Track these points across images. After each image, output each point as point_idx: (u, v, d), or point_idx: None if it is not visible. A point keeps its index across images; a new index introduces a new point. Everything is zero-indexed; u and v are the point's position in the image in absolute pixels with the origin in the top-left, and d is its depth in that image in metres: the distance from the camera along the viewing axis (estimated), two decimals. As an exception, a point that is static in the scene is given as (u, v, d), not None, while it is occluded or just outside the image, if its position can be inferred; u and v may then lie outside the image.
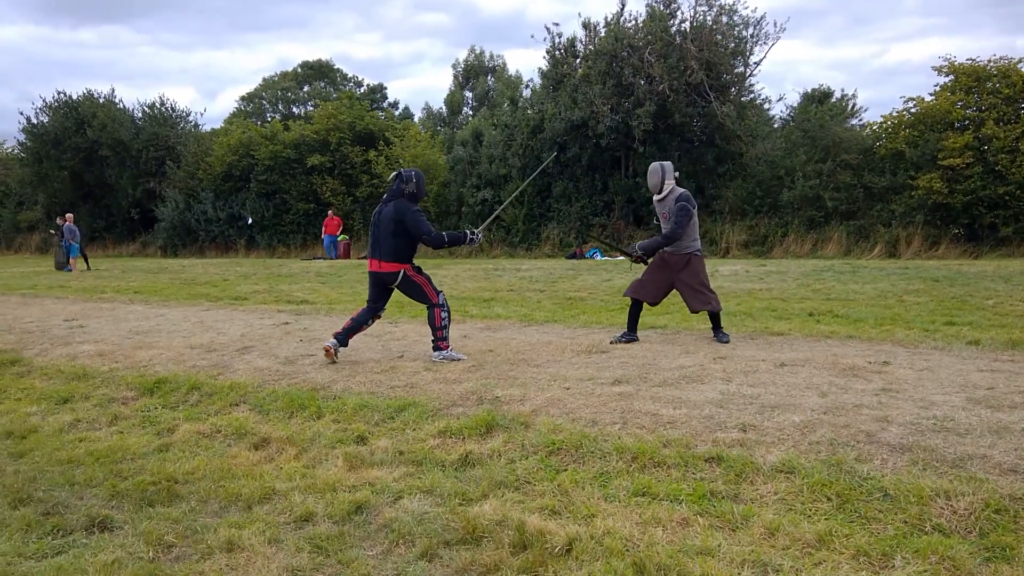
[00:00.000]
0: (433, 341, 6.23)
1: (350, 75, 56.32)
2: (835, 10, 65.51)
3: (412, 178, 6.03)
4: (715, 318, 6.67)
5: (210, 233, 27.51)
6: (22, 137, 30.22)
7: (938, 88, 18.56)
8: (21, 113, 52.34)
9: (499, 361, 6.04)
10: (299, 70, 55.54)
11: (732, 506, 3.23)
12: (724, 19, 21.07)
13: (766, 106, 22.71)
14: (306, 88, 54.91)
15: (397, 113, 46.52)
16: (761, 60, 22.12)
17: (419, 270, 6.23)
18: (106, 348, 7.18)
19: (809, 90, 28.19)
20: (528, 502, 3.49)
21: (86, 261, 20.35)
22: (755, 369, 5.42)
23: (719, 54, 20.65)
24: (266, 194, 26.85)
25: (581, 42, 23.62)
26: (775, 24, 22.68)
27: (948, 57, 18.69)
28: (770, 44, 21.23)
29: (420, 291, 6.19)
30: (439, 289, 6.28)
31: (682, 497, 3.37)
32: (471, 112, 53.53)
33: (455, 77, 56.56)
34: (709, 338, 6.76)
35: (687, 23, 21.44)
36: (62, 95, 29.98)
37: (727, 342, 6.49)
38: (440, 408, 4.82)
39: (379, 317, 6.44)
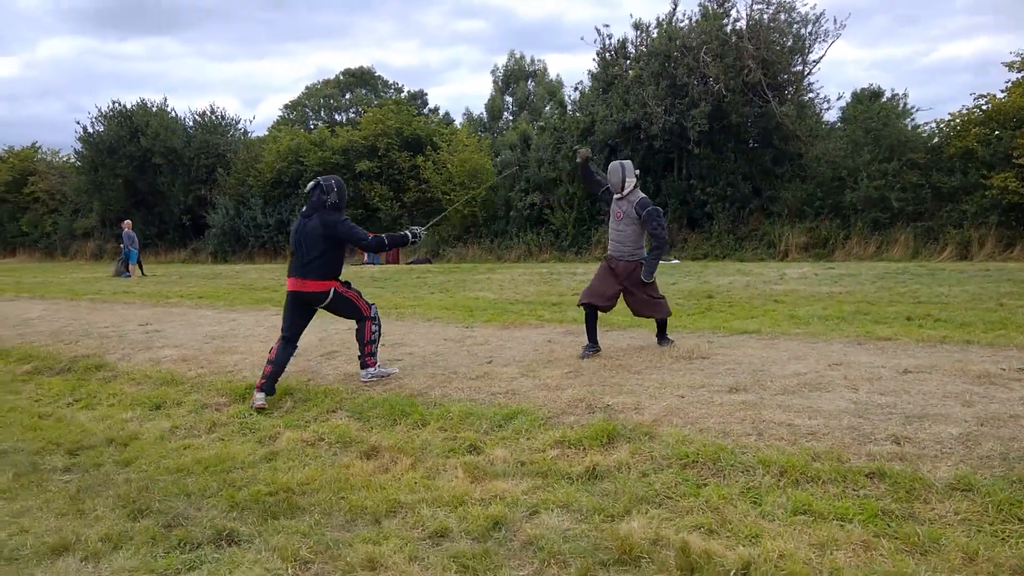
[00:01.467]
0: (360, 358, 5.80)
1: (391, 82, 56.75)
2: (880, 9, 64.02)
3: (333, 187, 5.54)
4: (662, 324, 6.58)
5: (259, 239, 27.74)
6: (77, 146, 30.90)
7: (1010, 84, 17.84)
8: (78, 122, 53.67)
9: (596, 368, 5.80)
10: (341, 77, 56.08)
11: (915, 528, 2.95)
12: (782, 16, 20.58)
13: (824, 106, 22.12)
14: (348, 95, 55.40)
15: (438, 119, 46.69)
16: (821, 58, 21.57)
17: (348, 285, 5.77)
18: (188, 353, 7.12)
19: (859, 90, 27.49)
20: (677, 519, 3.24)
21: (140, 268, 20.61)
22: (878, 376, 5.10)
23: (777, 52, 20.16)
24: (315, 200, 26.97)
25: (632, 43, 23.33)
26: (835, 21, 22.02)
27: (1020, 53, 17.98)
28: (830, 41, 20.70)
29: (351, 305, 5.73)
30: (371, 302, 5.89)
31: (851, 516, 3.09)
32: (511, 117, 53.51)
33: (495, 82, 56.66)
34: (813, 342, 6.44)
35: (742, 21, 21.02)
36: (117, 105, 30.57)
37: (669, 344, 6.46)
38: (551, 416, 4.60)
39: (295, 349, 5.72)
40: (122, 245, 19.99)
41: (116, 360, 7.00)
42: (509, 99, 56.15)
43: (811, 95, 21.59)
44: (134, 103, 30.79)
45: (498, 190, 25.20)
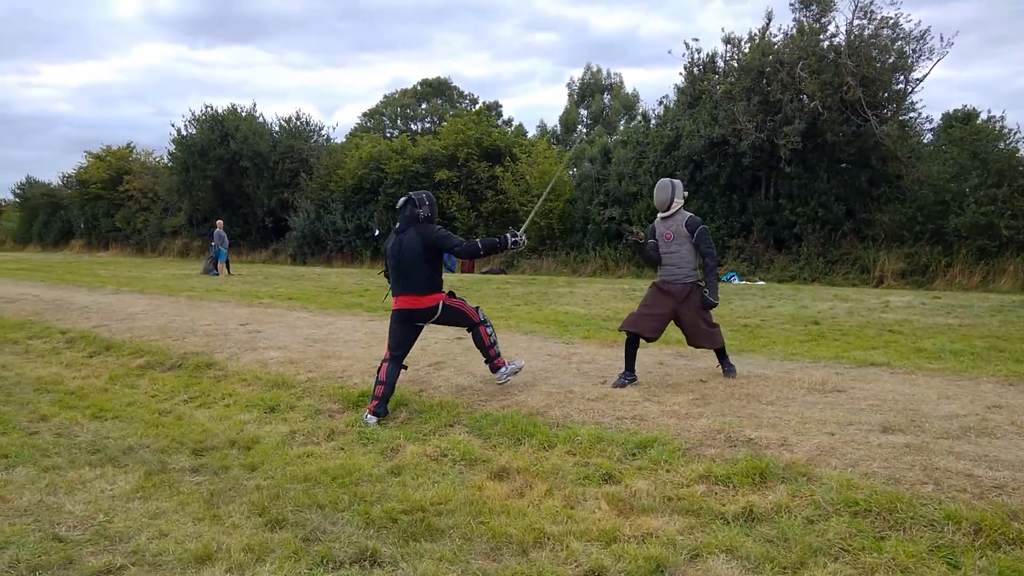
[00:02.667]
0: (487, 362, 5.71)
1: (466, 92, 57.29)
2: (970, 29, 61.27)
3: (424, 200, 5.50)
4: (722, 354, 6.22)
5: (338, 243, 28.18)
6: (170, 147, 32.12)
7: None
8: (172, 124, 56.00)
9: (722, 396, 5.48)
10: (418, 87, 56.88)
11: None
12: (885, 32, 19.76)
13: (926, 126, 21.14)
14: (424, 105, 56.15)
15: (511, 131, 46.83)
16: (925, 76, 20.60)
17: (452, 294, 5.68)
18: (293, 356, 7.09)
19: (951, 111, 26.22)
20: (864, 577, 2.92)
21: (228, 267, 21.10)
22: (1045, 423, 4.62)
23: (878, 70, 19.35)
24: (394, 207, 27.21)
25: (722, 58, 22.82)
26: (941, 38, 21.00)
27: None
28: (936, 59, 19.74)
29: (461, 314, 5.62)
30: (477, 306, 5.80)
31: (1076, 589, 2.72)
32: (585, 130, 53.26)
33: (570, 95, 56.56)
34: (957, 380, 5.95)
35: (841, 37, 20.27)
36: (209, 109, 31.66)
37: (734, 375, 6.11)
38: (688, 448, 4.31)
39: (405, 368, 5.58)
40: (212, 243, 20.52)
41: (224, 359, 7.03)
42: (584, 112, 55.94)
43: (913, 115, 20.64)
44: (225, 108, 31.83)
45: (576, 203, 24.95)
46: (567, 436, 4.57)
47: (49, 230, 39.45)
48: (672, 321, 5.98)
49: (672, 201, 5.96)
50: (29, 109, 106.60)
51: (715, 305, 5.93)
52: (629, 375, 5.92)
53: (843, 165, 20.27)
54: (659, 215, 6.08)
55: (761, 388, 5.70)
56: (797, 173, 19.85)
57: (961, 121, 25.46)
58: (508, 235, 5.59)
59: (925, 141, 22.07)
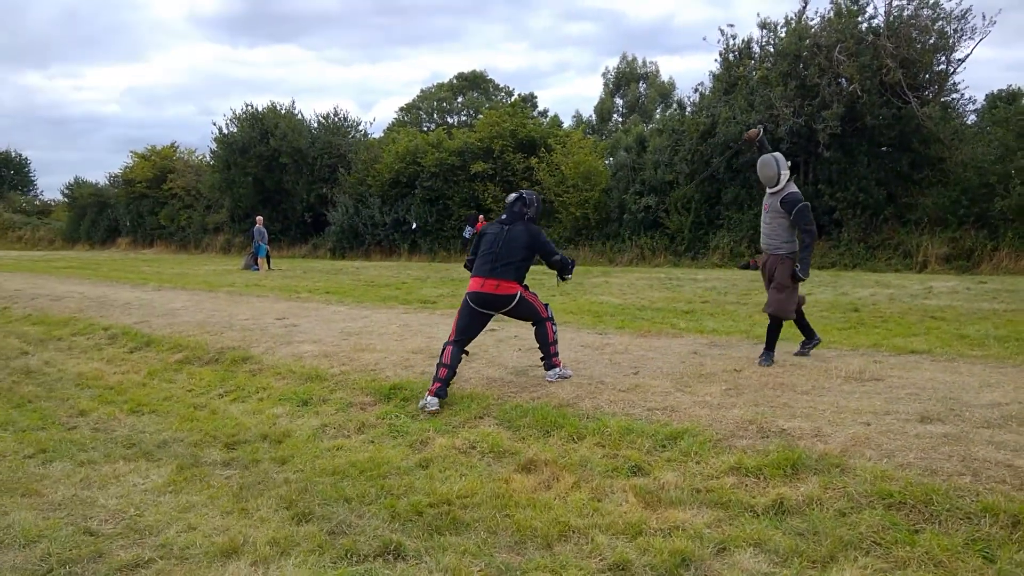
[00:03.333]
0: (544, 359, 5.83)
1: (502, 85, 57.21)
2: (1014, 7, 58.98)
3: (534, 202, 5.85)
4: (774, 332, 6.14)
5: (376, 237, 28.39)
6: (212, 146, 32.69)
7: None
8: (214, 123, 57.07)
9: (756, 385, 5.38)
10: (454, 81, 56.95)
11: None
12: (925, 12, 19.15)
13: (969, 107, 20.45)
14: (460, 98, 56.20)
15: (546, 121, 46.63)
16: (966, 57, 19.91)
17: (527, 287, 5.85)
18: (328, 349, 7.17)
19: (995, 91, 25.31)
20: (896, 572, 2.85)
21: (268, 262, 21.40)
22: (1093, 412, 4.44)
23: (918, 51, 18.76)
24: (430, 200, 27.40)
25: (757, 43, 22.40)
26: (983, 17, 20.26)
27: None
28: (977, 39, 19.07)
29: (531, 308, 5.79)
30: (546, 302, 5.96)
31: (1122, 586, 2.60)
32: (620, 120, 52.77)
33: (606, 84, 56.08)
34: (1000, 367, 5.76)
35: (880, 18, 19.71)
36: (249, 107, 32.10)
37: (767, 363, 6.05)
38: (719, 439, 4.24)
39: (467, 355, 5.72)
40: (253, 239, 20.85)
41: (260, 353, 7.13)
42: (619, 101, 55.43)
43: (955, 96, 20.00)
44: (265, 106, 32.26)
45: (612, 192, 24.75)
46: (596, 428, 4.54)
47: (97, 229, 40.51)
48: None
49: (779, 176, 6.09)
50: (80, 111, 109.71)
51: (801, 279, 6.02)
52: (808, 343, 6.48)
53: (883, 149, 19.74)
54: (768, 190, 6.24)
55: (796, 377, 5.58)
56: (836, 158, 19.39)
57: (1006, 101, 24.61)
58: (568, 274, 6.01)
59: (969, 122, 21.38)
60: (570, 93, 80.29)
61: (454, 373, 5.42)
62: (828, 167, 19.68)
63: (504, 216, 5.82)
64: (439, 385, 5.30)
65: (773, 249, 6.16)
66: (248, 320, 9.21)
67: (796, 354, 6.43)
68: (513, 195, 5.86)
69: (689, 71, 74.70)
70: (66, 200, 43.81)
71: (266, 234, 20.75)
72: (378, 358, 6.66)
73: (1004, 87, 27.23)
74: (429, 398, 5.23)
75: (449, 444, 4.48)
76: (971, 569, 2.81)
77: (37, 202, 53.26)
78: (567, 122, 51.41)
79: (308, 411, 5.37)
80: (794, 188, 6.11)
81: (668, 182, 23.02)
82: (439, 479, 3.97)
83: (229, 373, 6.58)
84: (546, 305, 5.91)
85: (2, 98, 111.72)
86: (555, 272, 6.02)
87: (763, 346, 6.27)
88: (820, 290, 12.36)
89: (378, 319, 9.28)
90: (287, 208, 31.86)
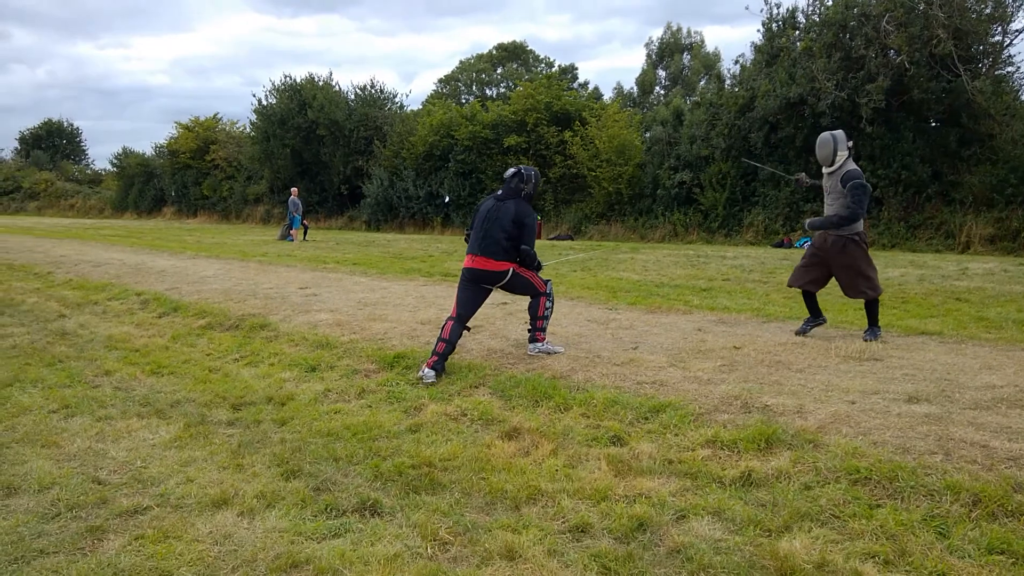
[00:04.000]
0: (530, 332, 5.91)
1: (542, 56, 56.71)
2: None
3: (532, 179, 5.83)
4: (872, 309, 6.07)
5: (410, 210, 28.65)
6: (252, 117, 33.19)
7: None
8: (253, 95, 57.92)
9: (751, 362, 5.43)
10: (494, 52, 56.62)
11: None
12: (980, -20, 18.40)
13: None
14: (500, 70, 55.88)
15: (587, 93, 46.17)
16: None
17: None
18: (342, 318, 7.39)
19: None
20: (846, 543, 2.92)
21: (304, 233, 21.78)
22: (1089, 396, 4.40)
23: (972, 21, 18.06)
24: (463, 173, 27.50)
25: (803, 12, 21.79)
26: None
27: None
28: (1039, 9, 18.26)
29: (528, 282, 5.84)
30: (547, 279, 6.00)
31: (1064, 564, 2.64)
32: (663, 92, 51.92)
33: (648, 56, 55.12)
34: (1009, 350, 5.70)
35: (933, -14, 18.99)
36: (288, 79, 32.52)
37: (873, 339, 5.99)
38: (702, 412, 4.32)
39: (468, 330, 5.83)
40: (289, 210, 21.28)
41: (278, 321, 7.39)
42: (662, 73, 54.48)
43: (1010, 69, 19.22)
44: (303, 77, 32.61)
45: (646, 167, 24.52)
46: (584, 399, 4.65)
47: (144, 198, 41.64)
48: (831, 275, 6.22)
49: (835, 155, 6.01)
50: (128, 81, 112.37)
51: (805, 228, 6.36)
52: (814, 320, 6.43)
53: (931, 124, 19.16)
54: (824, 170, 6.13)
55: (795, 355, 5.61)
56: (879, 133, 18.89)
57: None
58: (540, 263, 5.92)
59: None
60: (615, 65, 79.40)
61: (453, 348, 5.52)
62: (871, 143, 19.17)
63: (500, 191, 5.80)
64: (436, 359, 5.42)
65: (836, 232, 6.02)
66: (272, 289, 9.51)
67: (797, 332, 6.44)
68: (512, 170, 5.82)
69: (738, 41, 73.05)
70: (115, 170, 45.06)
71: (300, 205, 21.12)
72: (387, 328, 6.86)
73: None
74: (426, 370, 5.36)
75: (441, 411, 4.65)
76: (922, 543, 2.87)
77: (89, 171, 54.87)
78: (608, 94, 50.91)
79: (314, 376, 5.59)
80: (853, 166, 5.99)
81: (704, 157, 22.72)
82: (426, 443, 4.14)
83: (247, 339, 6.86)
84: (547, 281, 5.94)
85: (55, 69, 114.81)
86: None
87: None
88: (848, 269, 12.19)
89: (396, 291, 9.50)
90: (324, 180, 32.31)
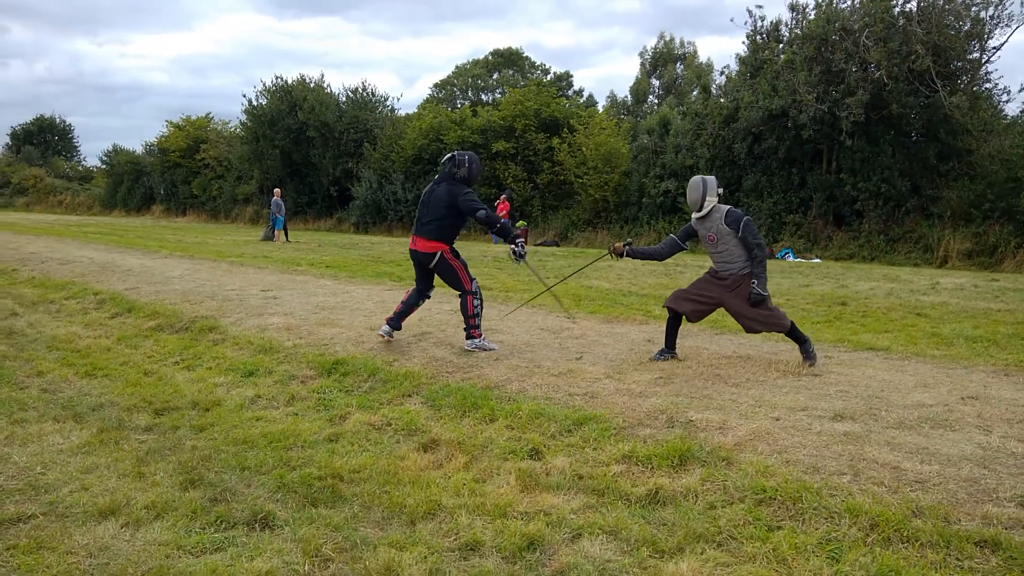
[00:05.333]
0: (465, 329, 6.22)
1: (538, 63, 56.81)
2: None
3: (465, 162, 6.03)
4: (793, 333, 5.67)
5: (398, 213, 28.57)
6: (244, 118, 33.09)
7: None
8: (244, 96, 57.86)
9: (691, 375, 5.37)
10: (490, 58, 56.68)
11: (1026, 620, 2.41)
12: (959, -2, 18.48)
13: (1003, 98, 19.70)
14: (495, 75, 55.92)
15: (581, 101, 46.19)
16: (1002, 45, 19.17)
17: (456, 254, 6.17)
18: (293, 322, 7.32)
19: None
20: (736, 567, 2.85)
21: (286, 234, 21.62)
22: (1020, 418, 4.36)
23: (950, 37, 18.13)
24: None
25: (786, 25, 21.86)
26: (1021, 3, 19.47)
27: None
28: (1015, 26, 18.33)
29: (455, 276, 6.13)
30: (473, 277, 6.21)
31: (947, 593, 2.59)
32: (657, 101, 52.01)
33: (642, 65, 55.21)
34: (950, 368, 5.65)
35: (912, 3, 19.06)
36: (279, 80, 32.41)
37: (814, 361, 5.62)
38: (624, 426, 4.26)
39: (428, 298, 6.43)
40: (271, 211, 21.19)
41: (228, 324, 7.31)
42: (656, 82, 54.56)
43: (988, 85, 19.31)
44: (294, 78, 32.54)
45: (632, 175, 24.51)
46: (511, 410, 4.59)
47: (133, 196, 41.50)
48: (722, 308, 5.81)
49: (704, 200, 5.66)
50: (126, 79, 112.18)
51: (763, 298, 5.57)
52: (668, 352, 5.93)
53: (911, 138, 19.21)
54: (693, 215, 5.79)
55: (735, 369, 5.55)
56: (860, 146, 18.94)
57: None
58: (516, 244, 6.23)
59: (1015, 111, 20.67)
60: (614, 72, 79.56)
61: (409, 309, 6.31)
62: (851, 156, 19.23)
63: (436, 177, 6.15)
64: (391, 317, 6.29)
65: (738, 271, 5.67)
66: (233, 291, 9.43)
67: (652, 359, 5.88)
68: (447, 155, 6.10)
69: (733, 52, 73.21)
70: (105, 167, 44.93)
71: (283, 206, 21.04)
72: (335, 333, 6.79)
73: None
74: (383, 326, 6.25)
75: (365, 420, 4.58)
76: (811, 568, 2.81)
77: (80, 168, 54.72)
78: (602, 102, 50.93)
79: (248, 382, 5.51)
80: (726, 207, 5.65)
81: (688, 167, 22.73)
82: (340, 454, 4.07)
83: (193, 342, 6.77)
84: (472, 280, 6.15)
85: (52, 65, 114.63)
86: (510, 249, 6.25)
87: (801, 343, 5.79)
88: (820, 282, 12.18)
89: (359, 295, 9.42)
90: (313, 181, 32.23)
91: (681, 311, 5.82)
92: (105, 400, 5.07)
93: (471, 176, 6.02)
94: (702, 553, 2.96)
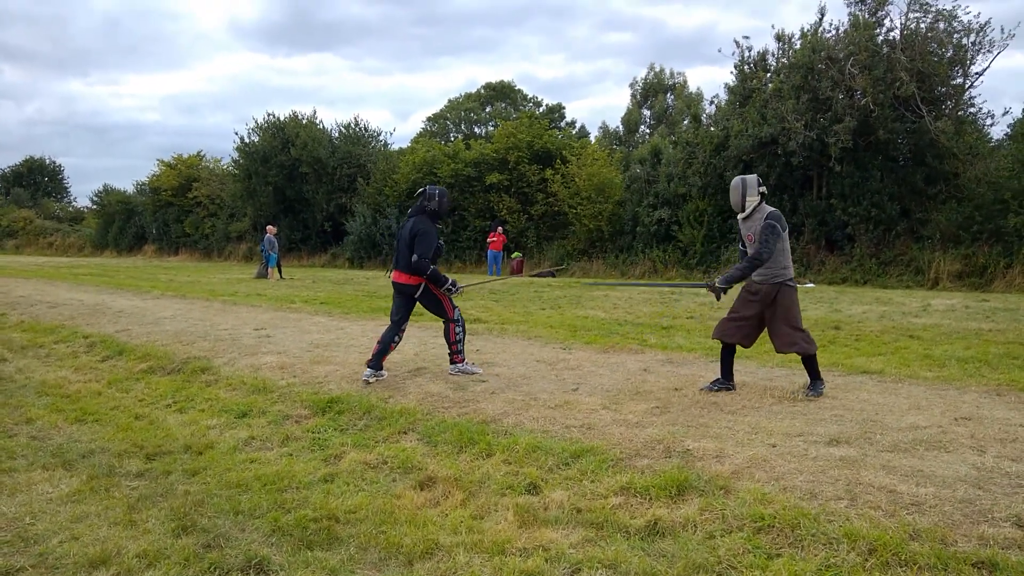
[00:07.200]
0: (449, 355, 6.48)
1: (530, 95, 57.48)
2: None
3: (435, 196, 6.26)
4: (809, 364, 5.54)
5: (393, 247, 28.65)
6: (234, 155, 33.30)
7: None
8: (236, 133, 58.24)
9: (687, 404, 5.36)
10: (482, 91, 57.33)
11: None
12: (941, 25, 18.82)
13: (988, 122, 19.97)
14: (488, 109, 56.52)
15: (573, 132, 46.64)
16: (984, 70, 19.46)
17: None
18: (287, 361, 7.29)
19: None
20: (735, 598, 2.82)
21: (279, 271, 21.63)
22: (1014, 437, 4.36)
23: (934, 64, 18.44)
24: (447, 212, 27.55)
25: (773, 55, 22.21)
26: (1001, 30, 19.68)
27: None
28: (995, 52, 18.65)
29: (439, 305, 6.34)
30: (456, 305, 6.43)
31: (948, 619, 2.56)
32: (648, 131, 52.57)
33: (633, 96, 55.92)
34: (943, 389, 5.66)
35: (896, 31, 19.41)
36: (271, 116, 32.69)
37: (820, 394, 5.44)
38: (622, 458, 4.24)
39: (402, 333, 6.45)
40: (262, 248, 21.21)
41: (221, 364, 7.28)
42: (647, 112, 55.20)
43: (972, 110, 19.61)
44: (286, 115, 32.81)
45: (626, 205, 24.68)
46: (507, 444, 4.56)
47: (124, 236, 41.47)
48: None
49: (744, 200, 5.57)
50: (120, 119, 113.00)
51: (714, 289, 5.59)
52: (722, 382, 5.79)
53: (899, 163, 19.43)
54: (739, 217, 5.71)
55: (730, 397, 5.54)
56: (849, 172, 19.14)
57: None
58: (451, 281, 6.38)
59: (1000, 135, 20.89)
60: (607, 103, 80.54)
61: (385, 347, 6.29)
62: (841, 181, 19.43)
63: (410, 210, 6.40)
64: (370, 359, 6.30)
65: (771, 279, 5.52)
66: (226, 330, 9.40)
67: (702, 388, 5.84)
68: (420, 189, 6.35)
69: (721, 82, 74.29)
70: (95, 207, 44.95)
71: (276, 243, 21.07)
72: (330, 371, 6.77)
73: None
74: (366, 370, 6.28)
75: (361, 459, 4.54)
76: (811, 598, 2.79)
77: (70, 209, 54.77)
78: (595, 133, 51.41)
79: (242, 423, 5.47)
80: (769, 208, 5.56)
81: (681, 195, 22.93)
82: (335, 494, 4.03)
83: (185, 383, 6.74)
84: (455, 308, 6.39)
85: (44, 106, 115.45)
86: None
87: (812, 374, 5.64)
88: (815, 306, 12.20)
89: (353, 331, 9.41)
90: (307, 217, 32.33)
91: (732, 341, 5.73)
92: (95, 446, 5.02)
93: (440, 209, 6.27)
94: (702, 586, 2.93)
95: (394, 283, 6.35)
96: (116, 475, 4.43)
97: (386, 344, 6.30)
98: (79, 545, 3.43)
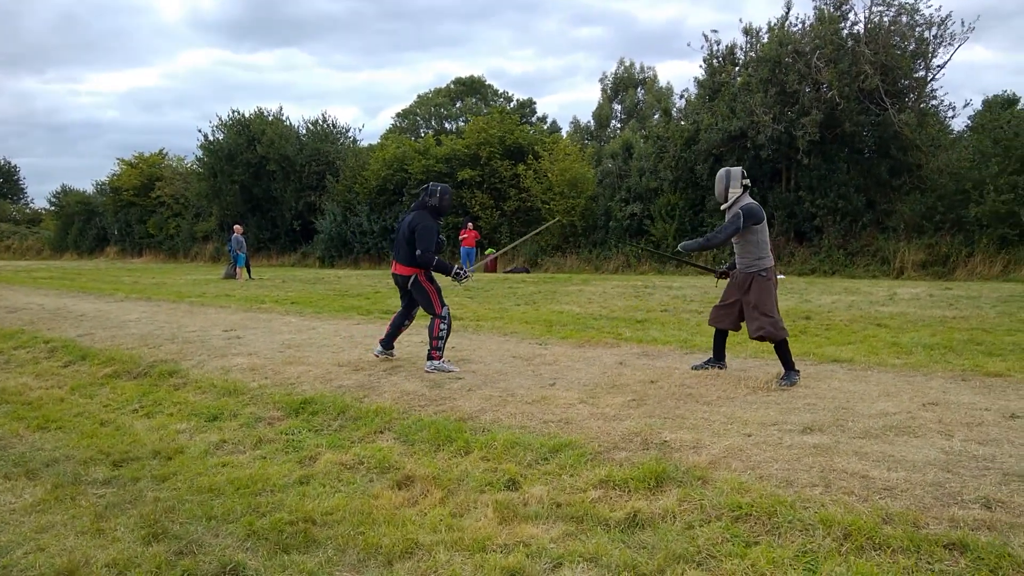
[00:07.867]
0: (428, 350, 6.52)
1: (500, 91, 57.37)
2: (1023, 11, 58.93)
3: (436, 192, 6.42)
4: (781, 352, 5.67)
5: (364, 245, 28.40)
6: (200, 153, 32.68)
7: None
8: (199, 131, 57.30)
9: (663, 395, 5.38)
10: (452, 86, 57.08)
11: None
12: (904, 19, 19.15)
13: (949, 114, 20.37)
14: (458, 104, 56.28)
15: (545, 128, 46.69)
16: (945, 63, 19.86)
17: (431, 279, 6.51)
18: (258, 362, 7.18)
19: (991, 96, 25.18)
20: (716, 587, 2.83)
21: (248, 271, 21.29)
22: (979, 421, 4.44)
23: (897, 57, 18.77)
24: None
25: (741, 49, 22.44)
26: (962, 23, 20.05)
27: None
28: (956, 45, 19.03)
29: (427, 299, 6.46)
30: (445, 302, 6.52)
31: (925, 602, 2.59)
32: (619, 125, 52.79)
33: (603, 90, 56.11)
34: (910, 376, 5.75)
35: (860, 25, 19.71)
36: (236, 113, 32.14)
37: (793, 384, 5.53)
38: (600, 451, 4.24)
39: (412, 316, 6.84)
40: (230, 248, 20.90)
41: (189, 367, 7.14)
42: (618, 107, 55.42)
43: (934, 102, 19.99)
44: (252, 112, 32.29)
45: (598, 200, 24.75)
46: (485, 441, 4.53)
47: (84, 238, 40.55)
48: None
49: (727, 192, 5.85)
50: (78, 116, 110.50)
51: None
52: (713, 362, 6.24)
53: (864, 155, 19.73)
54: (722, 207, 5.95)
55: (707, 387, 5.58)
56: (816, 164, 19.41)
57: (1001, 107, 24.58)
58: (456, 267, 6.51)
59: (960, 127, 21.31)
60: (578, 98, 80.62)
61: (396, 330, 6.86)
62: (808, 174, 19.69)
63: (412, 204, 6.54)
64: (383, 339, 6.92)
65: (746, 268, 5.81)
66: (195, 332, 9.24)
67: (693, 367, 6.27)
68: (423, 186, 6.54)
69: (691, 76, 74.89)
70: (54, 208, 43.88)
71: (244, 243, 20.77)
72: (302, 371, 6.67)
73: (1000, 92, 27.30)
74: (377, 347, 6.97)
75: (336, 460, 4.48)
76: (791, 585, 2.80)
77: (27, 210, 53.42)
78: (566, 128, 51.50)
79: (213, 427, 5.37)
80: (748, 200, 5.75)
81: (653, 189, 23.05)
82: (311, 496, 3.97)
83: (152, 388, 6.59)
84: (444, 305, 6.47)
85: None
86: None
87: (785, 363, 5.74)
88: (785, 297, 12.31)
89: (325, 331, 9.30)
90: (276, 216, 31.92)
91: (723, 327, 6.06)
92: (59, 454, 4.88)
93: (441, 205, 6.41)
94: (683, 574, 2.94)
95: (393, 273, 6.62)
96: (82, 483, 4.32)
97: (396, 326, 6.82)
98: (45, 556, 3.33)
